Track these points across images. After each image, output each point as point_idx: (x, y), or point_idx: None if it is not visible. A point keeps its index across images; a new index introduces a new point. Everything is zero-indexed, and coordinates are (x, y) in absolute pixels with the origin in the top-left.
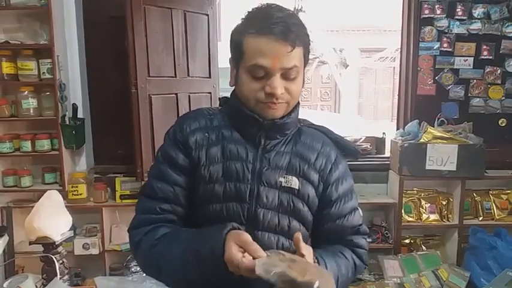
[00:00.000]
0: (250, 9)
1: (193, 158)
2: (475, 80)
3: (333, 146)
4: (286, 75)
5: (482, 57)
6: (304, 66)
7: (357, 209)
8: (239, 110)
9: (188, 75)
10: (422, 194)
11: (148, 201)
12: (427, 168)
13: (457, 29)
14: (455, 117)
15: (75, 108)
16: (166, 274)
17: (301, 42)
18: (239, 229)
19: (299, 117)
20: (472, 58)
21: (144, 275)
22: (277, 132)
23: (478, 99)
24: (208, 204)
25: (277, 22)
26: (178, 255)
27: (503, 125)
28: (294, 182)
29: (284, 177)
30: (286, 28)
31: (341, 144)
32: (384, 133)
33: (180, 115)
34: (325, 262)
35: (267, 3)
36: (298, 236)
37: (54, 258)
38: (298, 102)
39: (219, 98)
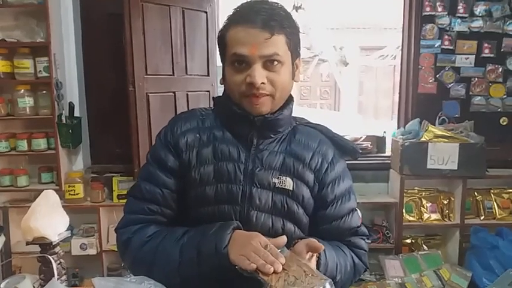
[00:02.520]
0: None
1: (183, 160)
2: (476, 78)
3: (330, 145)
4: (268, 65)
5: (484, 55)
6: (294, 58)
7: (355, 210)
8: (229, 108)
9: (186, 73)
10: (424, 193)
11: (137, 202)
12: (428, 167)
13: (459, 26)
14: (457, 115)
15: (71, 106)
16: (158, 271)
17: (283, 30)
18: (240, 229)
19: (295, 115)
20: (474, 56)
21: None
22: (269, 130)
23: (479, 97)
24: (200, 207)
25: (259, 12)
26: (174, 251)
27: (505, 123)
28: (288, 183)
29: (277, 178)
30: (268, 17)
31: (339, 143)
32: (384, 132)
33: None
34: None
35: None
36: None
37: (51, 259)
38: (291, 99)
39: (213, 98)
